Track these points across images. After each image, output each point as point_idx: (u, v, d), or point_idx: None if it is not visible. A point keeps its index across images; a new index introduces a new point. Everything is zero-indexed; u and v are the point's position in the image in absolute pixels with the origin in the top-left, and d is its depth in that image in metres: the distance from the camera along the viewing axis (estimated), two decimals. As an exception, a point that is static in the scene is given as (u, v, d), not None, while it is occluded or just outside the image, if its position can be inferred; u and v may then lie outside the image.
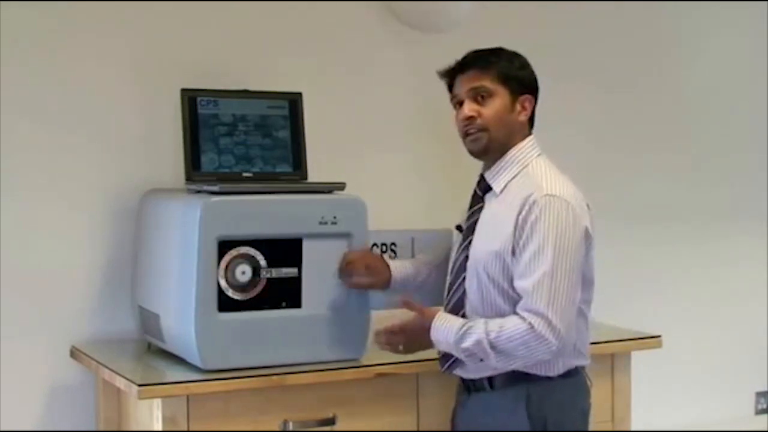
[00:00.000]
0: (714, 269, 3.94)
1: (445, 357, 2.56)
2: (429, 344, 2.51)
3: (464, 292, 2.54)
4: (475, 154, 2.58)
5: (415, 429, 2.73)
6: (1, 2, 2.81)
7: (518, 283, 2.43)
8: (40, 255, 2.88)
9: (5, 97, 2.83)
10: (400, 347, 2.55)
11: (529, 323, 2.36)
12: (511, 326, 2.39)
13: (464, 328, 2.43)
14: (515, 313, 2.42)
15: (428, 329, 2.48)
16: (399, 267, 2.75)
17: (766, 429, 4.05)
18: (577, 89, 3.53)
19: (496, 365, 2.44)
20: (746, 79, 4.03)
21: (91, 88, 2.93)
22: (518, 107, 2.55)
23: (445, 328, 2.46)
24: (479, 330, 2.41)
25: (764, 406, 4.09)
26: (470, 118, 2.53)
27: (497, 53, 2.58)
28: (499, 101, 2.53)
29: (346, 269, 2.64)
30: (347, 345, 2.66)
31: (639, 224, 3.67)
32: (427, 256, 2.83)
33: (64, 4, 2.89)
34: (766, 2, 4.00)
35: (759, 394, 4.08)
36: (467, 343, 2.41)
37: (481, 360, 2.44)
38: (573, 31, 3.61)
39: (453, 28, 3.34)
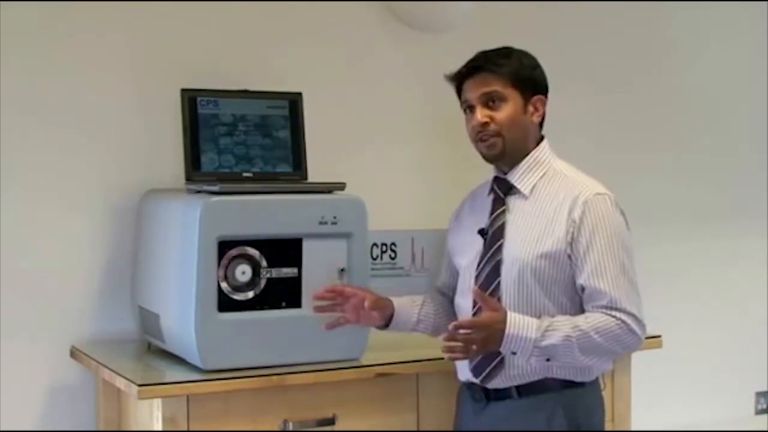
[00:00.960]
0: (714, 269, 3.94)
1: (481, 365, 2.47)
2: (498, 342, 2.33)
3: (498, 299, 2.43)
4: (490, 159, 2.53)
5: (415, 429, 2.72)
6: (1, 2, 2.81)
7: (590, 283, 2.38)
8: (40, 255, 2.88)
9: (5, 96, 2.82)
10: (474, 347, 2.33)
11: (620, 319, 2.34)
12: (600, 322, 2.34)
13: (545, 324, 2.33)
14: (588, 311, 2.38)
15: (503, 323, 2.32)
16: (400, 302, 2.64)
17: (766, 429, 4.05)
18: (576, 89, 3.52)
19: (576, 361, 2.36)
20: (746, 79, 4.02)
21: (91, 88, 2.93)
22: (531, 109, 2.51)
23: (523, 323, 2.33)
24: (565, 325, 2.34)
25: (764, 406, 4.08)
26: (484, 125, 2.48)
27: (507, 54, 2.52)
28: (511, 105, 2.48)
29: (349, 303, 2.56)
30: (347, 345, 2.65)
31: (639, 224, 3.63)
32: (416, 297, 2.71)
33: (64, 4, 2.88)
34: (766, 2, 4.00)
35: (759, 394, 4.08)
36: (552, 339, 2.32)
37: (549, 360, 2.36)
38: (573, 31, 3.61)
39: (453, 28, 3.34)
